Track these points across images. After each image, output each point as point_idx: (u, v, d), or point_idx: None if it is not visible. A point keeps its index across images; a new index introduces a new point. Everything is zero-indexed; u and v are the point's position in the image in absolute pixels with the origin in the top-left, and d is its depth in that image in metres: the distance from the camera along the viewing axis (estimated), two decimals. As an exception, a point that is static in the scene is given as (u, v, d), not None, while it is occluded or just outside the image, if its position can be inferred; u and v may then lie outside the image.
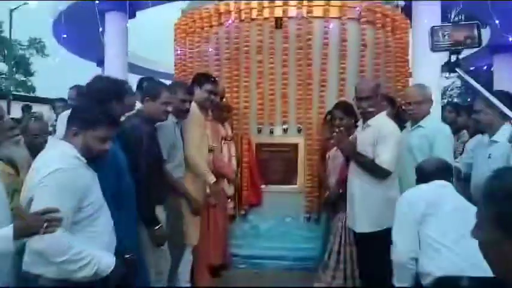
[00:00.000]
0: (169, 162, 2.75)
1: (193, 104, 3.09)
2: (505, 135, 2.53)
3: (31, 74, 24.76)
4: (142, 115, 2.56)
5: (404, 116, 3.09)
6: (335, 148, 3.08)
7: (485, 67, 12.25)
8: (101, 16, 7.24)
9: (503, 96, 3.06)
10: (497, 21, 6.33)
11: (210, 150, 3.54)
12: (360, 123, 2.88)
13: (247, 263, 3.85)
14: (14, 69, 21.56)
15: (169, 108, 2.59)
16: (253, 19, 3.95)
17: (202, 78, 3.24)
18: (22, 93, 20.06)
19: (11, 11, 15.67)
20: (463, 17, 11.46)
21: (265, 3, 3.91)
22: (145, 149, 2.38)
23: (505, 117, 2.94)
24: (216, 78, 3.47)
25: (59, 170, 1.60)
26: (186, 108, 2.87)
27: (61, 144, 1.75)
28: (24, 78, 24.53)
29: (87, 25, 7.58)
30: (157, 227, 2.42)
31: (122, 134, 2.17)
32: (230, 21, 3.99)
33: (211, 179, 3.08)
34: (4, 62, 21.05)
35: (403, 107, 3.02)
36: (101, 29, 7.06)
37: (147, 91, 2.66)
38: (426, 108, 2.87)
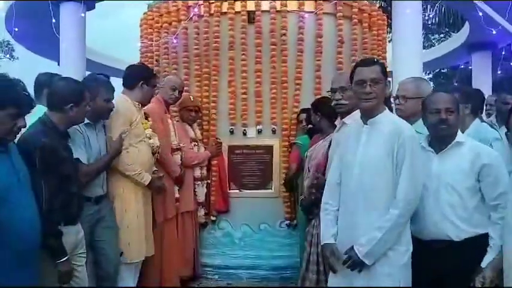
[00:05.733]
0: None
1: (120, 99, 3.03)
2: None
3: (-1, 78, 23.91)
4: (46, 122, 2.34)
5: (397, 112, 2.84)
6: (313, 147, 3.09)
7: (463, 65, 12.70)
8: (55, 7, 7.03)
9: (475, 94, 3.18)
10: (480, 13, 6.55)
11: (177, 149, 3.52)
12: (337, 122, 2.88)
13: (219, 274, 3.82)
14: (-19, 73, 20.71)
15: (88, 108, 2.50)
16: (223, 13, 3.93)
17: (147, 74, 3.22)
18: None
19: (-24, 13, 15.00)
20: (443, 12, 11.85)
21: (237, -4, 3.91)
22: (43, 164, 2.12)
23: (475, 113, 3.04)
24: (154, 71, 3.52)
25: None
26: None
27: None
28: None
29: (41, 18, 7.35)
30: (62, 260, 2.14)
31: (20, 145, 2.06)
32: (196, 10, 3.95)
33: (146, 179, 3.01)
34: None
35: (392, 102, 2.86)
36: (54, 21, 6.84)
37: (71, 97, 2.43)
38: (415, 106, 2.60)
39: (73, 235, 2.36)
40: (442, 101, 2.21)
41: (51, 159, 2.18)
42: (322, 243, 2.32)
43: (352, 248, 2.10)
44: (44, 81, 3.25)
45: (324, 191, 2.41)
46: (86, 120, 2.74)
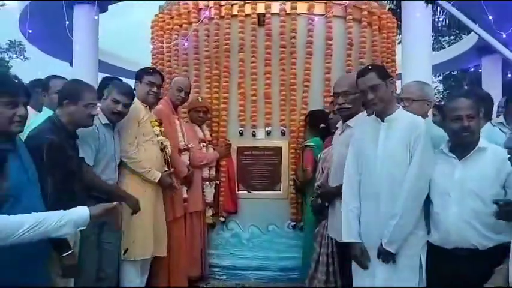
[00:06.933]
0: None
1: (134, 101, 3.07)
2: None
3: (10, 78, 24.00)
4: (54, 121, 2.38)
5: None
6: (327, 149, 3.08)
7: (473, 68, 12.60)
8: (68, 9, 7.11)
9: (487, 97, 3.14)
10: (490, 17, 6.47)
11: (185, 150, 3.53)
12: (339, 124, 2.89)
13: (227, 274, 3.82)
14: (-7, 72, 20.81)
15: (94, 112, 2.51)
16: (234, 15, 3.94)
17: (141, 72, 3.28)
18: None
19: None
20: (453, 15, 11.74)
21: (247, -1, 3.92)
22: (49, 161, 2.15)
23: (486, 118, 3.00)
24: (157, 69, 3.60)
25: None
26: (117, 110, 2.82)
27: None
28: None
29: (55, 19, 7.44)
30: (66, 254, 2.12)
31: (26, 142, 2.08)
32: (207, 13, 3.97)
33: (155, 176, 3.07)
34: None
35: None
36: (67, 23, 6.92)
37: (66, 93, 2.50)
38: (420, 109, 2.69)
39: (72, 235, 2.28)
40: (462, 107, 2.18)
41: (57, 156, 2.20)
42: (346, 240, 2.42)
43: (381, 241, 2.26)
44: (37, 83, 3.34)
45: (345, 189, 2.47)
46: (105, 121, 2.80)
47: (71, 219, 1.79)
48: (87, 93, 2.47)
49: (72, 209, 1.84)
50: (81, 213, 1.83)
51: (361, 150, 2.41)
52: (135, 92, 3.29)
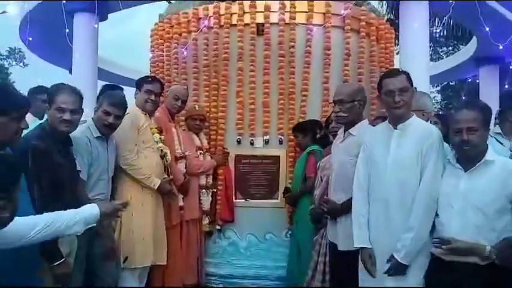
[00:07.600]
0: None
1: (131, 108, 3.09)
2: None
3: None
4: (45, 127, 2.35)
5: None
6: (327, 157, 3.09)
7: (470, 79, 12.67)
8: (69, 17, 7.16)
9: (485, 108, 3.15)
10: (487, 29, 6.53)
11: (181, 157, 3.53)
12: (340, 131, 2.90)
13: (225, 283, 3.80)
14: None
15: (66, 116, 2.32)
16: (233, 25, 3.97)
17: (141, 80, 3.32)
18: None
19: (-12, 19, 15.25)
20: (451, 26, 11.83)
21: (246, 8, 3.94)
22: (34, 166, 2.12)
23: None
24: (157, 77, 3.68)
25: None
26: (108, 122, 2.77)
27: None
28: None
29: (55, 27, 7.47)
30: (58, 262, 2.12)
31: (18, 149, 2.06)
32: (206, 23, 4.00)
33: (155, 183, 3.09)
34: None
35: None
36: (67, 31, 6.97)
37: (48, 97, 2.41)
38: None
39: (66, 246, 2.30)
40: (463, 119, 2.09)
41: (43, 162, 2.17)
42: (358, 246, 2.39)
43: (392, 256, 2.22)
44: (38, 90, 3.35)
45: (356, 195, 2.45)
46: (97, 134, 2.79)
47: (82, 217, 1.82)
48: (60, 96, 2.35)
49: (83, 207, 1.88)
50: (91, 210, 1.88)
51: (372, 156, 2.40)
52: (135, 99, 3.33)
